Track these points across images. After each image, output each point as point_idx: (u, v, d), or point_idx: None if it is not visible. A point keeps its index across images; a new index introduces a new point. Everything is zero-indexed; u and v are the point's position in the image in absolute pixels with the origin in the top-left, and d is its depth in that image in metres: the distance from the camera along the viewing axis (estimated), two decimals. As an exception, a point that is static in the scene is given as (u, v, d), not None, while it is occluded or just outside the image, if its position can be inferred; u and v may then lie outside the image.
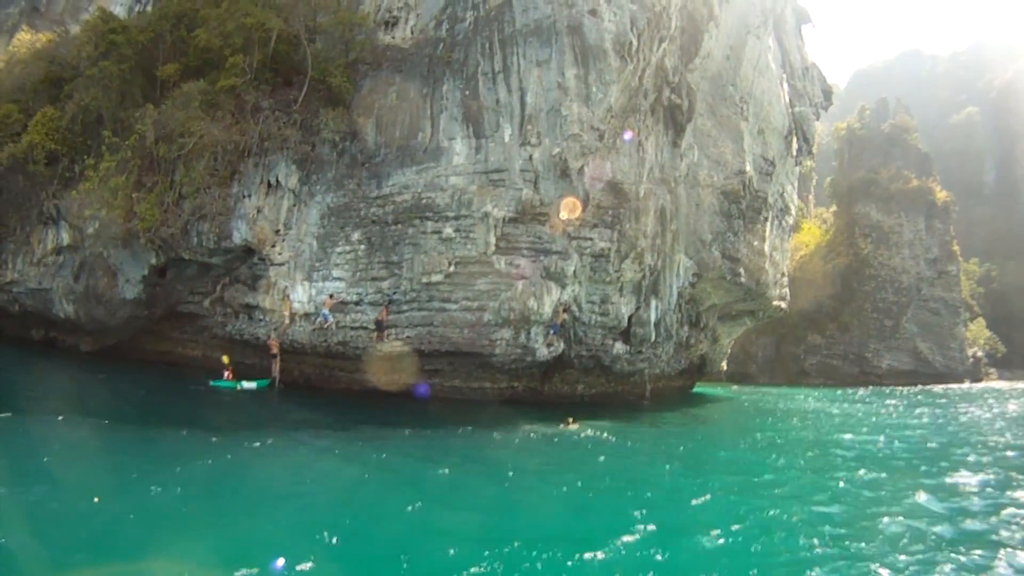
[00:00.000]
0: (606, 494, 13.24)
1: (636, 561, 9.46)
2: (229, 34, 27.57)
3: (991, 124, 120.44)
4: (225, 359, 25.72)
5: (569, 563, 9.19)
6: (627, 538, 10.25)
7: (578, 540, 10.06)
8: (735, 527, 11.03)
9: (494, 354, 25.02)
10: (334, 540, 9.64)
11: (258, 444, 15.77)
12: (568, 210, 24.96)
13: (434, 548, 9.59)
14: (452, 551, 9.37)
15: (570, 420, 21.23)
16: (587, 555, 9.41)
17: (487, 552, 9.32)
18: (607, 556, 9.52)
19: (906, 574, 9.25)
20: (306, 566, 8.56)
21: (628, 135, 26.55)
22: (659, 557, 9.62)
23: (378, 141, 26.28)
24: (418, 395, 25.64)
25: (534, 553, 9.38)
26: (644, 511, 11.68)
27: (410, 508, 11.25)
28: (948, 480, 15.25)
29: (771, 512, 12.07)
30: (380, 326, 24.99)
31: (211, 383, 24.49)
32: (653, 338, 28.98)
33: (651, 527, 10.79)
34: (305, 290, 25.71)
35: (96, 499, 10.60)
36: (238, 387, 24.61)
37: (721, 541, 10.40)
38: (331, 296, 25.33)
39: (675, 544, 10.30)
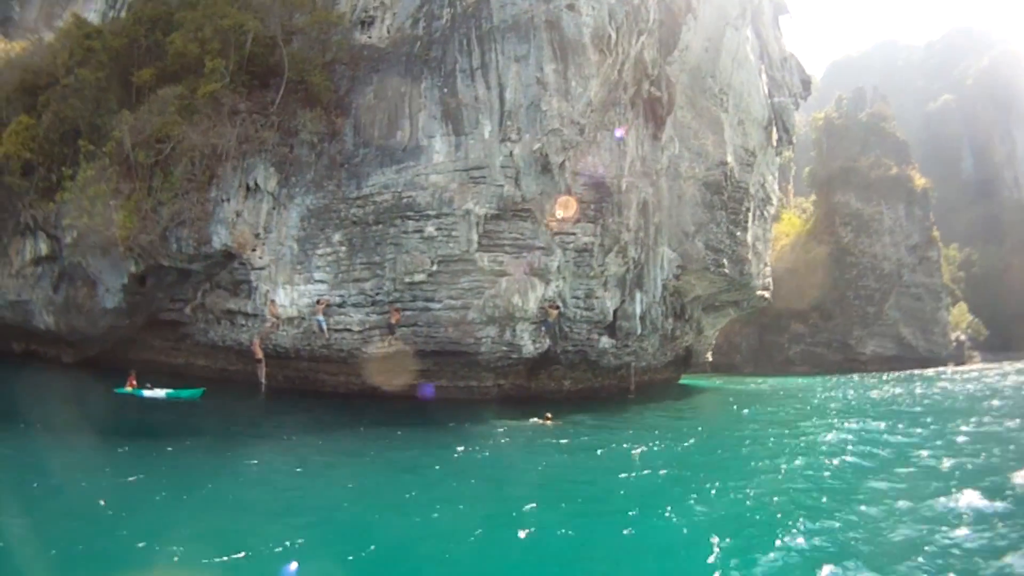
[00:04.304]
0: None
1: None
2: (206, 39, 27.26)
3: (967, 112, 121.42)
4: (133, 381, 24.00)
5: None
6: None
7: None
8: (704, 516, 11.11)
9: (480, 352, 24.96)
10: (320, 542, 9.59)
11: (247, 451, 15.63)
12: (563, 208, 24.96)
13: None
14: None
15: (548, 416, 21.15)
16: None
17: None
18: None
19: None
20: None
21: (619, 132, 26.63)
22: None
23: (356, 141, 26.11)
24: (423, 396, 25.52)
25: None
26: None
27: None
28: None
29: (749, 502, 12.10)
30: (392, 329, 24.78)
31: (116, 391, 23.30)
32: (639, 331, 28.99)
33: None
34: (287, 293, 25.49)
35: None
36: (142, 394, 23.15)
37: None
38: (318, 301, 25.10)
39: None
